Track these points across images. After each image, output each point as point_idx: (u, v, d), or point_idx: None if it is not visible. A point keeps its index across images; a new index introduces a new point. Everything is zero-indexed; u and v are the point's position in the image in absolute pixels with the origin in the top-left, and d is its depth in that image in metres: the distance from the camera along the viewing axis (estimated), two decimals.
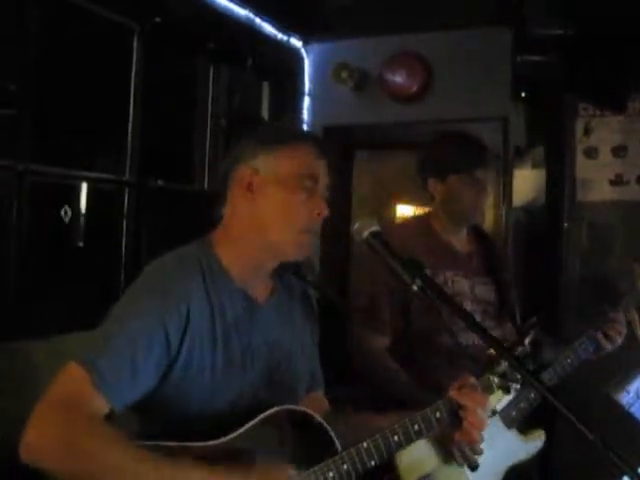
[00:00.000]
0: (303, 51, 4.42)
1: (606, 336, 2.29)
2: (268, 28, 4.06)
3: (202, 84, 3.79)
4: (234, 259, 1.56)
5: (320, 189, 1.58)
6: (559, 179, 3.87)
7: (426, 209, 2.50)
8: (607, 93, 3.70)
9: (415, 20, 3.94)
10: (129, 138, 3.21)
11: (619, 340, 2.31)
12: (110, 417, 1.36)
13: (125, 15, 3.15)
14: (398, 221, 2.38)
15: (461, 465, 1.86)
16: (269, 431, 1.46)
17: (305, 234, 1.56)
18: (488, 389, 1.71)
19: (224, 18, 3.65)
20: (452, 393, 1.65)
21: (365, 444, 1.51)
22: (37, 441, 1.26)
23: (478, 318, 2.24)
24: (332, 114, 4.37)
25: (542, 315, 1.76)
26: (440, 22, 3.94)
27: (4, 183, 2.66)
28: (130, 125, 3.21)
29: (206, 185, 3.75)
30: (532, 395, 2.11)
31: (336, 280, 4.33)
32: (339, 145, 4.47)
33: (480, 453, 1.81)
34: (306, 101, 4.44)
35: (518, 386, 1.78)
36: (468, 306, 2.25)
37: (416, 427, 1.59)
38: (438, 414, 1.63)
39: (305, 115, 4.43)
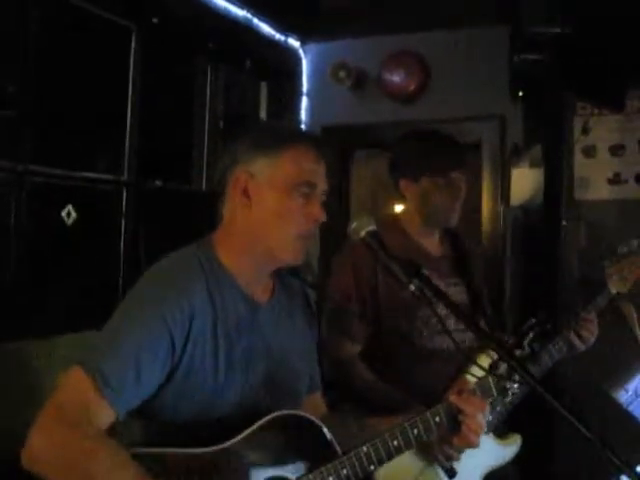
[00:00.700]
0: (301, 51, 4.42)
1: (579, 336, 2.27)
2: (266, 28, 4.06)
3: (200, 84, 3.78)
4: (234, 260, 1.56)
5: (318, 194, 1.56)
6: (557, 178, 3.87)
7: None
8: (605, 92, 3.70)
9: (413, 20, 3.94)
10: (127, 138, 3.21)
11: (592, 339, 2.27)
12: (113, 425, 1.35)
13: (123, 15, 3.14)
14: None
15: (440, 470, 1.87)
16: (269, 435, 1.46)
17: (301, 240, 1.55)
18: (487, 392, 1.72)
19: (222, 18, 3.65)
20: (452, 398, 1.66)
21: (365, 448, 1.51)
22: (39, 452, 1.26)
23: (452, 320, 2.17)
24: (330, 114, 4.37)
25: (541, 316, 1.75)
26: (438, 21, 3.94)
27: (4, 184, 2.66)
28: (128, 125, 3.21)
29: (204, 185, 3.75)
30: (508, 399, 2.07)
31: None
32: (337, 145, 4.47)
33: (457, 459, 1.81)
34: (304, 101, 4.45)
35: (516, 388, 1.78)
36: (442, 308, 2.21)
37: (415, 431, 1.59)
38: (437, 418, 1.63)
39: (303, 115, 4.43)
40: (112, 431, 1.36)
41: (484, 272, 2.48)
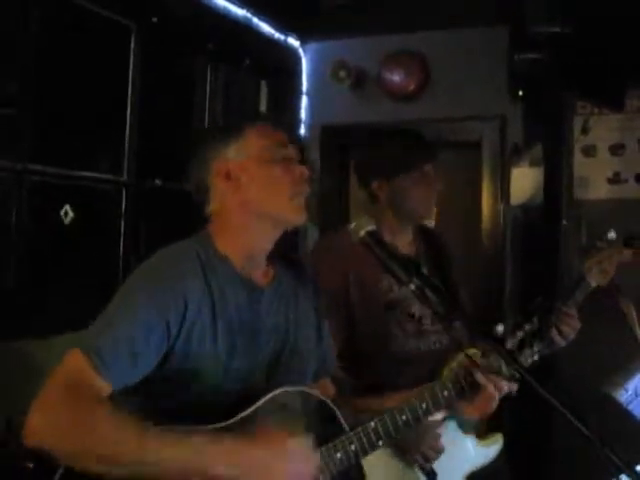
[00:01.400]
0: (301, 50, 4.42)
1: (559, 332, 2.26)
2: (265, 28, 4.06)
3: (200, 84, 3.78)
4: (232, 247, 1.59)
5: (293, 157, 1.63)
6: (557, 177, 3.88)
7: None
8: (605, 91, 3.70)
9: (413, 19, 3.94)
10: (126, 138, 3.20)
11: (572, 335, 2.26)
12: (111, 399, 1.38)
13: (123, 15, 3.14)
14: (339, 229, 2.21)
15: (419, 473, 1.87)
16: (274, 412, 1.47)
17: (297, 198, 1.59)
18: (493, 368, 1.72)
19: (222, 18, 3.65)
20: (476, 373, 1.67)
21: (373, 424, 1.53)
22: (41, 423, 1.28)
23: (428, 321, 2.21)
24: (330, 113, 4.37)
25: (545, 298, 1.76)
26: (438, 21, 3.94)
27: (3, 183, 2.66)
28: (127, 125, 3.21)
29: None
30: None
31: None
32: (337, 144, 4.47)
33: (441, 451, 1.82)
34: (304, 100, 4.45)
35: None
36: (417, 310, 2.19)
37: (424, 405, 1.61)
38: (446, 392, 1.65)
39: (303, 114, 4.44)
40: None
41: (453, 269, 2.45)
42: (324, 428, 1.51)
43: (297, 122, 4.40)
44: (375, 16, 3.92)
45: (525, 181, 3.97)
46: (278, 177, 1.58)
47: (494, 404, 1.68)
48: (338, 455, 1.47)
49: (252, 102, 4.15)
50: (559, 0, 3.45)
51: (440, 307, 1.51)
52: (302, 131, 4.42)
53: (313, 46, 4.42)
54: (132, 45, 3.22)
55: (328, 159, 4.45)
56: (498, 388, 1.68)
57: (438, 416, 1.79)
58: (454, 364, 2.05)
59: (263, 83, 4.22)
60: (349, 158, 4.58)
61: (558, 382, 2.23)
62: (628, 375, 2.59)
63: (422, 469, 1.88)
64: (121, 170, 3.20)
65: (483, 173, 4.15)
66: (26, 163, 2.72)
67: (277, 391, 1.49)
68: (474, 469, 2.08)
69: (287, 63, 4.33)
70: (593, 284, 2.33)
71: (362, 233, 1.57)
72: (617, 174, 3.83)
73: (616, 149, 3.85)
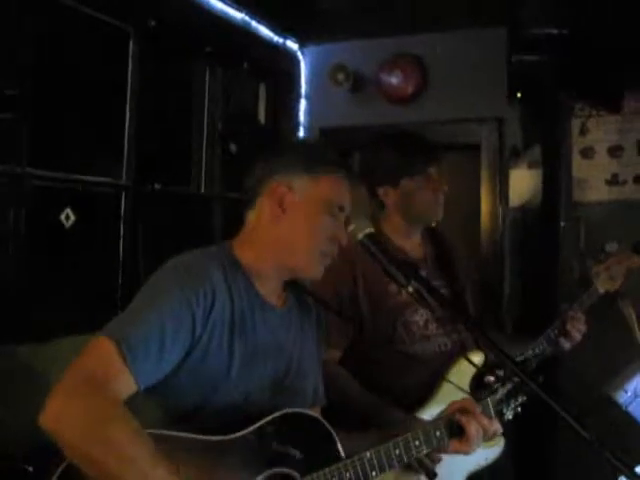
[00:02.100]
0: (299, 53, 4.43)
1: (566, 335, 2.26)
2: (264, 31, 4.07)
3: (198, 87, 3.78)
4: (253, 262, 1.61)
5: (343, 219, 1.64)
6: (555, 179, 3.88)
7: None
8: (603, 93, 3.71)
9: (410, 22, 3.94)
10: (125, 141, 3.21)
11: (579, 338, 2.28)
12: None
13: (121, 19, 3.14)
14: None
15: (420, 473, 1.87)
16: (276, 432, 1.48)
17: (323, 257, 1.62)
18: (485, 412, 1.75)
19: (220, 21, 3.65)
20: (458, 416, 1.70)
21: (368, 454, 1.54)
22: (61, 414, 1.27)
23: (434, 324, 2.22)
24: (328, 116, 4.37)
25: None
26: (435, 23, 3.95)
27: (3, 187, 2.66)
28: (126, 128, 3.21)
29: (203, 188, 3.74)
30: (505, 420, 2.08)
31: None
32: (336, 147, 4.47)
33: (438, 461, 1.83)
34: (303, 103, 4.45)
35: (510, 414, 1.81)
36: (424, 315, 2.21)
37: (417, 443, 1.64)
38: (438, 433, 1.68)
39: (302, 117, 4.44)
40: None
41: (469, 269, 2.48)
42: (322, 452, 1.52)
43: (296, 125, 4.40)
44: (373, 19, 3.93)
45: (524, 183, 3.98)
46: (322, 230, 1.60)
47: (474, 447, 1.70)
48: None
49: (251, 105, 4.16)
50: (557, 2, 3.46)
51: (439, 310, 1.52)
52: (301, 134, 4.42)
53: (312, 49, 4.43)
54: (130, 49, 3.22)
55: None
56: (485, 432, 1.70)
57: None
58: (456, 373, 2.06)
59: (262, 86, 4.22)
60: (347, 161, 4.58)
61: (558, 384, 2.24)
62: (627, 377, 2.59)
63: (425, 468, 1.88)
64: (120, 174, 3.20)
65: (482, 175, 4.15)
66: (26, 167, 2.73)
67: (279, 412, 1.50)
68: (475, 470, 2.09)
69: (286, 66, 4.33)
70: (601, 290, 2.35)
71: (360, 236, 1.57)
72: (615, 176, 3.84)
73: (614, 151, 3.85)
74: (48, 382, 1.37)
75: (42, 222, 2.81)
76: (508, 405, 1.79)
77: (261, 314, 1.59)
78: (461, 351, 2.08)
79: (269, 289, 1.63)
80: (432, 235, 2.41)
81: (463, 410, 1.71)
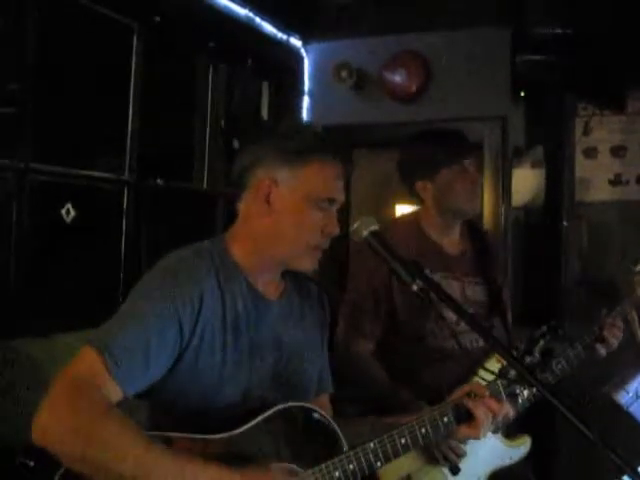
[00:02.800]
0: (303, 50, 4.42)
1: (602, 341, 2.26)
2: (268, 27, 4.06)
3: (202, 83, 3.78)
4: (246, 258, 1.59)
5: (335, 209, 1.59)
6: (558, 179, 3.88)
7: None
8: (606, 93, 3.71)
9: (414, 20, 3.94)
10: (128, 137, 3.21)
11: (615, 345, 2.28)
12: (119, 404, 1.36)
13: (125, 14, 3.14)
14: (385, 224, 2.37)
15: (443, 466, 1.88)
16: (276, 427, 1.47)
17: (315, 250, 1.58)
18: (497, 395, 1.72)
19: (224, 17, 3.65)
20: (465, 401, 1.66)
21: (372, 445, 1.51)
22: (50, 424, 1.27)
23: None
24: (332, 113, 4.36)
25: (553, 324, 1.75)
26: (440, 22, 3.94)
27: (4, 182, 2.66)
28: (129, 124, 3.21)
29: (205, 184, 3.75)
30: (520, 401, 2.08)
31: (335, 280, 4.33)
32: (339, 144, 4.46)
33: (463, 455, 1.82)
34: (306, 100, 4.44)
35: (525, 393, 1.78)
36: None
37: (423, 430, 1.60)
38: (446, 419, 1.64)
39: (305, 114, 4.43)
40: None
41: (503, 270, 2.49)
42: (323, 445, 1.51)
43: (299, 122, 4.39)
44: (377, 17, 3.93)
45: (526, 182, 3.97)
46: (311, 224, 1.55)
47: (484, 431, 1.67)
48: (336, 474, 1.45)
49: (254, 102, 4.16)
50: (561, 2, 3.45)
51: (445, 309, 1.51)
52: None
53: (315, 46, 4.42)
54: (134, 44, 3.22)
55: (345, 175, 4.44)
56: (491, 410, 1.67)
57: None
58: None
59: (265, 83, 4.22)
60: (350, 158, 4.57)
61: (560, 384, 2.23)
62: (629, 377, 2.59)
63: (448, 460, 1.88)
64: (123, 169, 3.20)
65: (485, 174, 4.14)
66: (28, 162, 2.73)
67: (279, 407, 1.49)
68: (499, 467, 2.08)
69: (289, 63, 4.33)
70: None
71: (365, 233, 1.56)
72: (618, 175, 3.84)
73: (617, 151, 3.85)
74: (48, 376, 1.37)
75: (44, 217, 2.81)
76: (521, 385, 1.76)
77: (257, 309, 1.58)
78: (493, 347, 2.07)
79: (265, 282, 1.61)
80: (472, 232, 2.43)
81: (471, 394, 1.67)
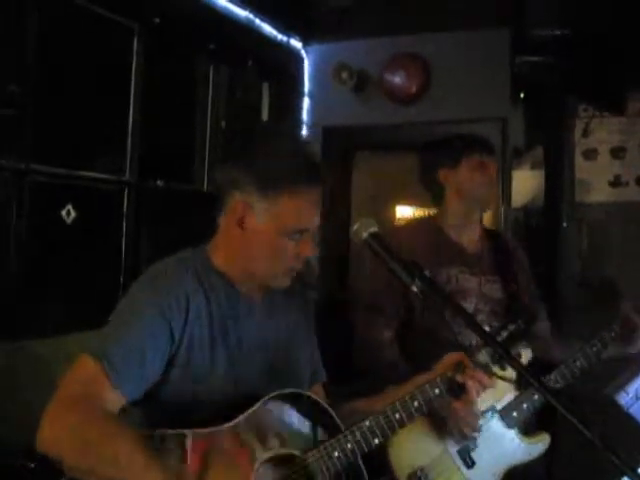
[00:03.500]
0: (303, 52, 4.42)
1: (628, 336, 2.28)
2: (268, 29, 4.06)
3: (202, 85, 3.78)
4: (227, 266, 1.62)
5: (311, 232, 1.60)
6: (558, 180, 3.88)
7: (428, 210, 2.54)
8: (606, 94, 3.71)
9: (414, 21, 3.94)
10: (129, 138, 3.21)
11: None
12: (123, 410, 1.41)
13: (125, 15, 3.14)
14: (403, 222, 2.52)
15: (455, 461, 1.90)
16: (271, 414, 1.50)
17: (288, 272, 1.61)
18: (484, 365, 1.73)
19: (224, 19, 3.65)
20: (455, 374, 1.70)
21: (367, 422, 1.55)
22: (53, 435, 1.30)
23: (485, 316, 2.30)
24: (332, 115, 4.37)
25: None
26: (439, 23, 3.94)
27: (4, 183, 2.66)
28: (130, 125, 3.21)
29: (206, 186, 3.75)
30: (535, 396, 2.09)
31: (336, 281, 4.33)
32: (339, 146, 4.47)
33: (476, 430, 1.86)
34: (306, 102, 4.45)
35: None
36: (474, 303, 2.31)
37: (416, 404, 1.64)
38: (437, 391, 1.68)
39: (305, 116, 4.44)
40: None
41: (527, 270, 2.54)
42: (320, 428, 1.54)
43: (299, 123, 4.40)
44: (377, 18, 3.93)
45: (526, 184, 3.98)
46: (283, 253, 1.56)
47: (474, 398, 1.72)
48: (335, 454, 1.50)
49: (254, 103, 4.16)
50: (560, 3, 3.46)
51: (445, 309, 1.53)
52: (304, 133, 4.42)
53: (315, 48, 4.42)
54: (134, 46, 3.22)
55: (330, 161, 4.45)
56: (481, 383, 1.71)
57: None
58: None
59: (265, 84, 4.22)
60: (351, 160, 4.58)
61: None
62: (629, 378, 2.59)
63: (460, 455, 1.93)
64: (123, 170, 3.20)
65: None
66: (28, 163, 2.72)
67: (272, 394, 1.51)
68: (515, 464, 2.07)
69: (289, 65, 4.33)
70: None
71: (365, 235, 1.57)
72: (618, 177, 3.84)
73: (617, 152, 3.86)
74: (49, 378, 1.38)
75: (44, 218, 2.81)
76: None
77: (242, 311, 1.61)
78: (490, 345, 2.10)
79: (249, 286, 1.65)
80: (489, 234, 2.52)
81: (457, 366, 1.71)
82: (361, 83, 4.26)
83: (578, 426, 1.24)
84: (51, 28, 2.79)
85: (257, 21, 3.92)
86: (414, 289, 1.50)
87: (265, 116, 4.22)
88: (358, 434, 1.53)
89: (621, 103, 3.76)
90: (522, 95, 3.90)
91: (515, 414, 2.09)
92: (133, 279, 1.56)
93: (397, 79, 4.17)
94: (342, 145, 4.45)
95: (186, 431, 1.38)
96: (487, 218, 4.11)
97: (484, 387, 1.72)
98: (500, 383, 1.80)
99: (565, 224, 3.85)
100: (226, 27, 3.68)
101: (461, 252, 2.38)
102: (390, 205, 4.77)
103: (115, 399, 1.38)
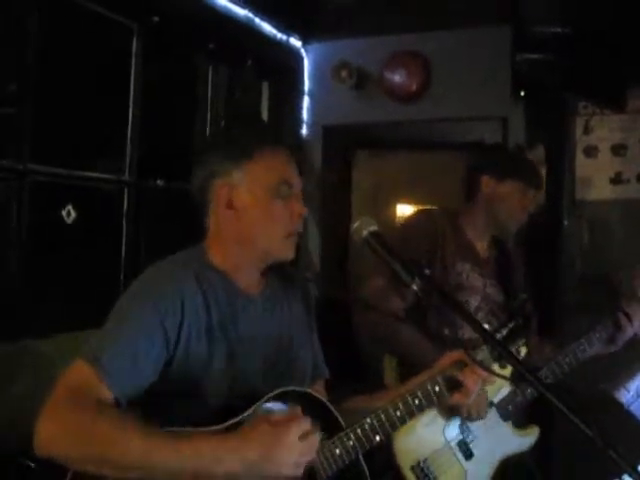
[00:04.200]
0: (303, 51, 4.42)
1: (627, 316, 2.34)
2: (267, 28, 4.06)
3: (201, 84, 3.78)
4: (224, 261, 1.62)
5: (296, 191, 1.63)
6: (559, 178, 3.88)
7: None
8: (606, 91, 3.70)
9: (414, 19, 3.94)
10: (128, 138, 3.21)
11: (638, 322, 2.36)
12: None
13: (124, 15, 3.14)
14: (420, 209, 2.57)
15: (455, 453, 1.97)
16: (273, 413, 1.47)
17: (289, 237, 1.61)
18: (483, 361, 1.75)
19: (223, 18, 3.65)
20: (455, 371, 1.71)
21: (369, 420, 1.56)
22: (49, 432, 1.30)
23: (484, 314, 2.35)
24: (332, 113, 4.37)
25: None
26: (439, 21, 3.94)
27: (4, 183, 2.66)
28: (129, 125, 3.21)
29: None
30: (529, 390, 2.16)
31: (336, 278, 4.33)
32: (338, 144, 4.47)
33: (483, 414, 1.93)
34: (306, 100, 4.45)
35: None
36: (478, 301, 2.36)
37: (417, 401, 1.65)
38: (437, 388, 1.69)
39: (305, 114, 4.44)
40: None
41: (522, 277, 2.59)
42: (322, 426, 1.52)
43: (299, 122, 4.40)
44: (377, 17, 3.93)
45: None
46: (277, 214, 1.59)
47: (473, 392, 1.73)
48: (337, 451, 1.51)
49: (254, 102, 4.16)
50: (561, 1, 3.45)
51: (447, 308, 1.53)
52: (304, 131, 4.42)
53: (315, 46, 4.42)
54: (134, 45, 3.22)
55: (330, 159, 4.46)
56: (481, 378, 1.72)
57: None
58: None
59: (265, 83, 4.22)
60: (351, 158, 4.58)
61: (560, 382, 2.25)
62: (630, 376, 2.59)
63: (459, 448, 1.99)
64: (123, 170, 3.20)
65: None
66: (28, 163, 2.73)
67: (274, 392, 1.50)
68: (509, 454, 2.14)
69: (289, 63, 4.33)
70: None
71: (365, 233, 1.57)
72: (619, 174, 3.84)
73: (618, 149, 3.85)
74: (50, 377, 1.39)
75: (44, 218, 2.81)
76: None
77: (242, 307, 1.60)
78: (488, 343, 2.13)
79: (246, 280, 1.64)
80: (497, 244, 2.54)
81: (457, 363, 1.72)
82: (361, 81, 4.26)
83: (579, 425, 1.24)
84: (51, 27, 2.79)
85: (256, 20, 3.93)
86: (414, 287, 1.50)
87: (265, 115, 4.22)
88: (360, 432, 1.54)
89: (621, 100, 3.75)
90: (522, 93, 3.90)
91: (510, 407, 2.17)
92: (133, 278, 1.56)
93: (397, 77, 4.17)
94: (342, 144, 4.46)
95: (186, 430, 1.38)
96: None
97: (484, 385, 1.74)
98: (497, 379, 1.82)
99: (566, 222, 3.84)
100: (225, 26, 3.68)
101: (474, 253, 2.42)
102: (390, 203, 4.77)
103: (107, 398, 1.38)
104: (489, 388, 2.01)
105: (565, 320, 3.56)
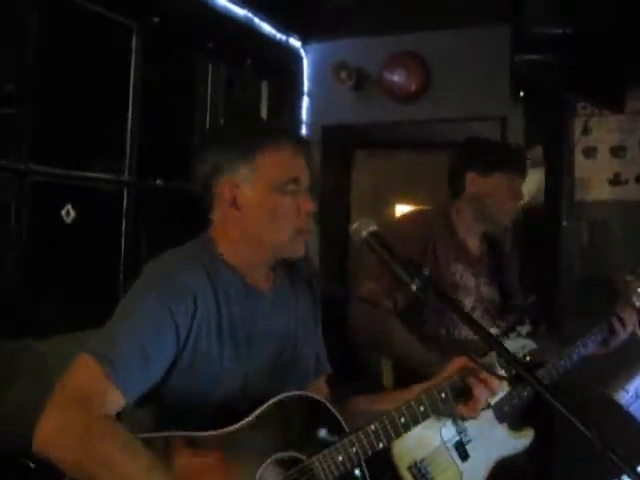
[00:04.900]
0: (302, 51, 4.42)
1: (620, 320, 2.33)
2: (267, 28, 4.06)
3: (201, 84, 3.78)
4: (234, 255, 1.58)
5: (303, 187, 1.58)
6: (558, 179, 3.88)
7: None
8: (606, 92, 3.71)
9: (414, 19, 3.94)
10: (128, 138, 3.21)
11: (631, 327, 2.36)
12: (121, 411, 1.37)
13: (124, 14, 3.14)
14: (415, 209, 2.55)
15: (452, 454, 1.94)
16: (277, 417, 1.47)
17: (299, 235, 1.57)
18: (491, 367, 1.72)
19: (223, 18, 3.65)
20: (463, 378, 1.67)
21: (373, 426, 1.52)
22: (51, 436, 1.27)
23: (479, 314, 2.35)
24: (331, 114, 4.37)
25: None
26: (439, 21, 3.94)
27: (4, 183, 2.66)
28: (129, 125, 3.21)
29: None
30: (525, 392, 2.14)
31: (335, 278, 4.33)
32: (338, 145, 4.47)
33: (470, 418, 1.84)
34: (305, 101, 4.45)
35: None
36: (472, 301, 2.36)
37: (422, 408, 1.61)
38: (444, 395, 1.65)
39: (304, 115, 4.43)
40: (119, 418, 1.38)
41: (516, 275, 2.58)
42: (324, 430, 1.52)
43: (298, 122, 4.40)
44: (376, 17, 3.93)
45: (526, 182, 3.97)
46: (284, 212, 1.54)
47: (481, 405, 1.69)
48: (340, 458, 1.47)
49: (253, 102, 4.16)
50: (560, 1, 3.45)
51: (444, 309, 1.53)
52: (303, 131, 4.42)
53: (314, 47, 4.42)
54: (133, 45, 3.22)
55: (329, 159, 4.46)
56: (490, 389, 1.68)
57: None
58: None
59: (264, 83, 4.22)
60: (350, 158, 4.58)
61: (559, 384, 2.24)
62: (629, 377, 2.59)
63: (456, 449, 1.96)
64: (122, 170, 3.20)
65: None
66: (28, 163, 2.73)
67: (277, 397, 1.49)
68: (504, 456, 2.13)
69: (288, 63, 4.33)
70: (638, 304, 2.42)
71: (364, 234, 1.57)
72: (617, 175, 3.84)
73: (617, 150, 3.86)
74: (49, 377, 1.37)
75: (44, 218, 2.81)
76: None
77: (251, 303, 1.58)
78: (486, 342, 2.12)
79: (257, 275, 1.61)
80: (489, 241, 2.53)
81: (465, 371, 1.68)
82: (360, 82, 4.26)
83: (579, 426, 1.24)
84: (51, 27, 2.79)
85: (256, 20, 3.93)
86: (413, 288, 1.50)
87: (264, 115, 4.22)
88: (363, 438, 1.50)
89: (620, 101, 3.75)
90: (522, 93, 3.90)
91: (506, 409, 2.15)
92: (133, 278, 1.54)
93: (396, 77, 4.17)
94: (341, 144, 4.46)
95: (189, 434, 1.37)
96: None
97: (492, 392, 1.68)
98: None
99: (565, 222, 3.85)
100: (225, 26, 3.68)
101: (466, 252, 2.41)
102: (389, 203, 4.77)
103: (115, 399, 1.34)
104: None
105: (565, 321, 3.57)
